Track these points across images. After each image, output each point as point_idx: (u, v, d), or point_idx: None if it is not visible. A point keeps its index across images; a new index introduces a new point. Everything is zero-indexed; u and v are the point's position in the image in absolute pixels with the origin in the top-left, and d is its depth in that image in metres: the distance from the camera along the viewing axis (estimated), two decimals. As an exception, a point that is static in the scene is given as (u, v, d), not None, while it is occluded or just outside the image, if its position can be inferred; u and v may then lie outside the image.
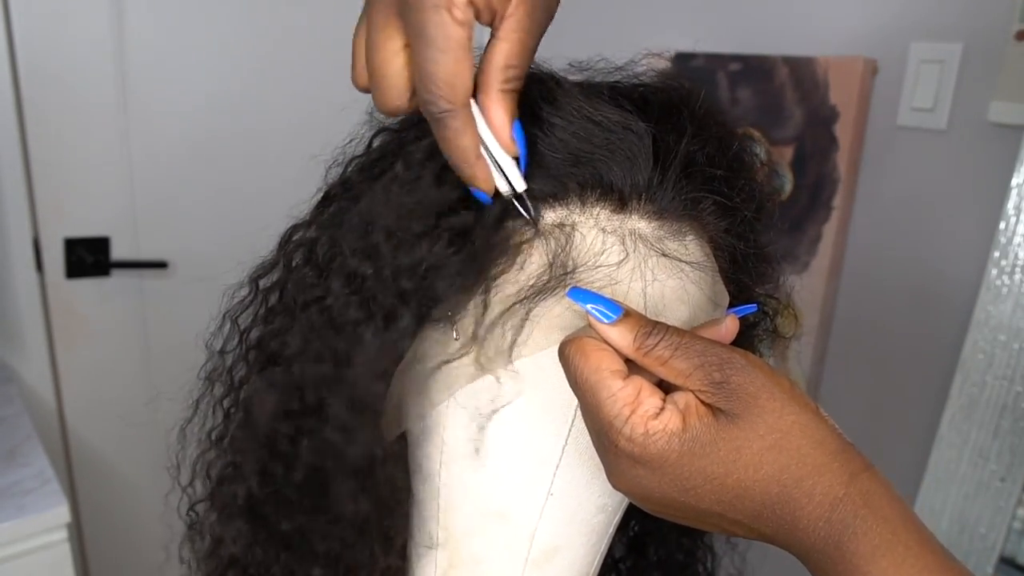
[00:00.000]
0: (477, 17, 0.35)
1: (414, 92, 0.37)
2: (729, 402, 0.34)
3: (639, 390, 0.35)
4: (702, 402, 0.35)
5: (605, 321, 0.37)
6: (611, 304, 0.37)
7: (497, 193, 0.40)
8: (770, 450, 0.34)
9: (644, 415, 0.35)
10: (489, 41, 0.37)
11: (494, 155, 0.38)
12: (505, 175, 0.39)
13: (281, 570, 0.49)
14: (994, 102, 1.04)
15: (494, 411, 0.43)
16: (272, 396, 0.46)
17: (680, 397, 0.36)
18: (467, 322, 0.42)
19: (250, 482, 0.48)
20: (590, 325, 0.37)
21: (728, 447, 0.34)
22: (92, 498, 1.77)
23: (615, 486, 0.38)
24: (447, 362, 0.43)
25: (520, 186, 0.39)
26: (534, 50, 0.38)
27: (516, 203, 0.40)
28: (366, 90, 0.38)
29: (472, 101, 0.37)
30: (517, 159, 0.39)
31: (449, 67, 0.35)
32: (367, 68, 0.37)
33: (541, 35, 0.38)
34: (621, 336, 0.36)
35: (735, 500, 0.35)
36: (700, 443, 0.34)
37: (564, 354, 0.38)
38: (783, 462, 0.34)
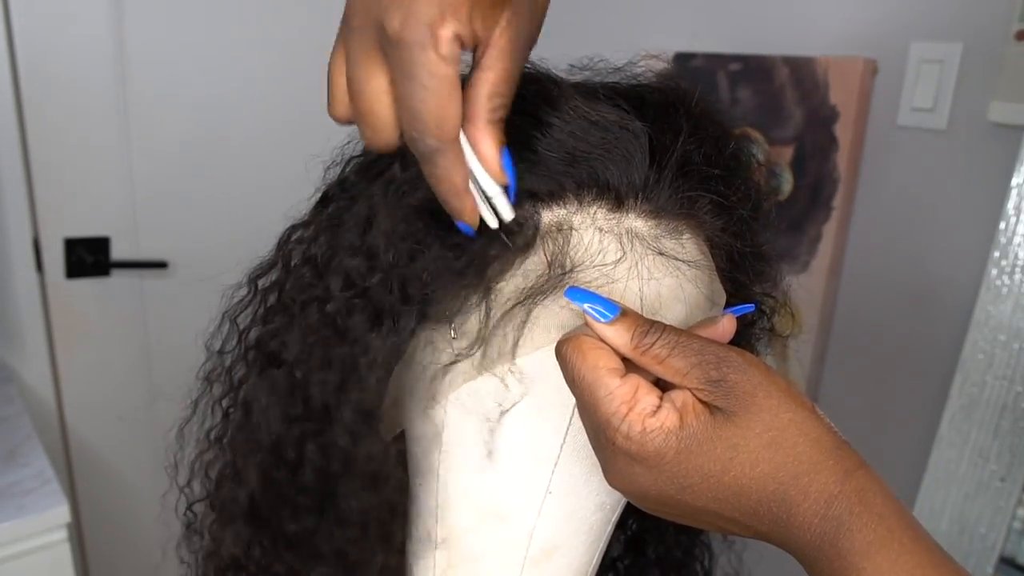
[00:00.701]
0: (462, 46, 0.34)
1: None
2: (726, 400, 0.34)
3: (636, 388, 0.36)
4: (699, 400, 0.35)
5: (602, 320, 0.37)
6: (608, 303, 0.37)
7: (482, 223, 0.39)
8: (766, 448, 0.34)
9: (641, 413, 0.35)
10: (473, 69, 0.35)
11: (483, 186, 0.37)
12: (491, 204, 0.38)
13: (283, 570, 0.49)
14: (994, 102, 1.04)
15: (503, 413, 0.43)
16: (272, 398, 0.47)
17: (677, 395, 0.36)
18: (467, 322, 0.42)
19: (251, 485, 0.48)
20: (587, 324, 0.38)
21: (725, 445, 0.34)
22: (92, 498, 1.77)
23: (612, 484, 0.38)
24: (449, 364, 0.43)
25: (508, 216, 0.38)
26: (519, 77, 0.37)
27: (502, 234, 0.39)
28: (347, 122, 0.37)
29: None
30: (506, 188, 0.38)
31: (437, 106, 0.33)
32: (352, 106, 0.36)
33: (525, 61, 0.37)
34: (618, 335, 0.37)
35: (731, 498, 0.35)
36: (697, 441, 0.35)
37: (561, 352, 0.38)
38: (779, 460, 0.34)
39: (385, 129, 0.35)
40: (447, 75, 0.33)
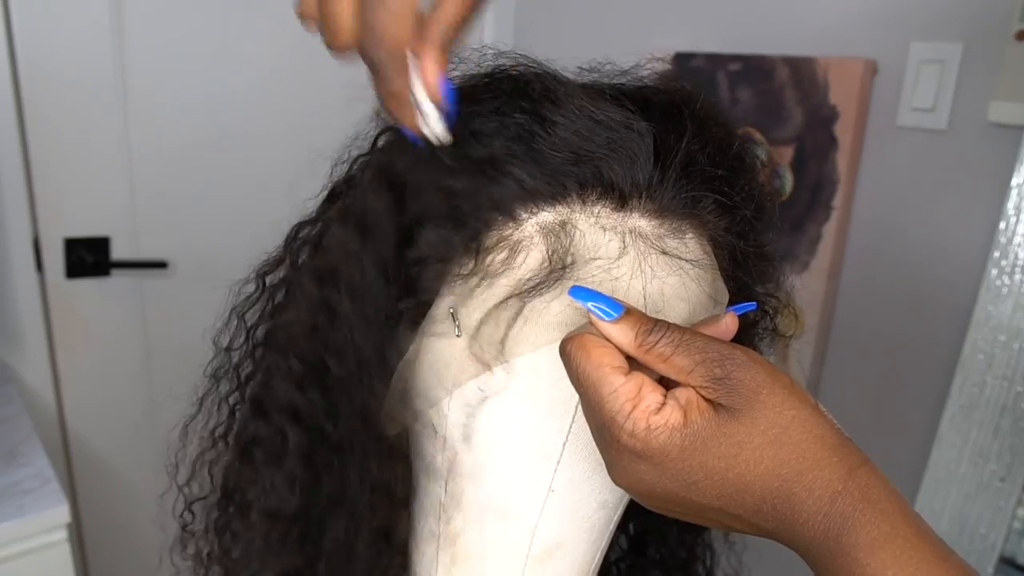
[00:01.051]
0: None
1: None
2: (730, 397, 0.35)
3: (640, 386, 0.36)
4: (703, 397, 0.36)
5: (607, 319, 0.37)
6: (612, 302, 0.37)
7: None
8: (770, 445, 0.34)
9: (646, 410, 0.35)
10: None
11: (418, 101, 0.39)
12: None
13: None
14: (994, 102, 1.04)
15: (483, 400, 0.43)
16: (280, 390, 0.47)
17: (681, 393, 0.36)
18: (464, 315, 0.42)
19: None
20: (592, 323, 0.38)
21: (729, 442, 0.34)
22: (92, 498, 1.77)
23: (616, 482, 0.38)
24: (446, 356, 0.43)
25: (441, 134, 0.41)
26: (475, 12, 0.39)
27: (438, 151, 0.42)
28: (311, 21, 0.40)
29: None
30: (444, 110, 0.40)
31: (396, 27, 0.36)
32: (319, 8, 0.39)
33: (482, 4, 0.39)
34: (623, 333, 0.37)
35: (736, 494, 0.35)
36: (701, 438, 0.35)
37: (565, 351, 0.38)
38: (783, 456, 0.34)
39: (343, 35, 0.38)
40: (411, 3, 0.36)
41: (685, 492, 0.36)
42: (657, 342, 0.36)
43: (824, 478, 0.33)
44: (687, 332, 0.36)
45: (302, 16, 0.40)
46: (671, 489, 0.36)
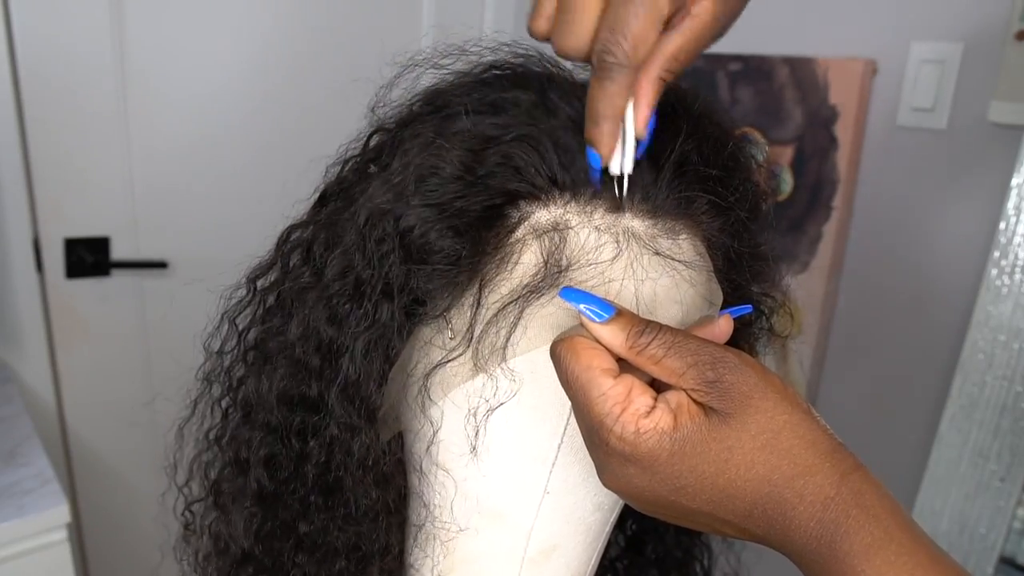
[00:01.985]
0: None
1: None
2: (722, 401, 0.34)
3: (630, 388, 0.35)
4: (694, 401, 0.35)
5: (597, 320, 0.37)
6: (603, 304, 0.37)
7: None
8: (762, 450, 0.34)
9: (635, 413, 0.35)
10: (665, 28, 0.37)
11: (625, 130, 0.39)
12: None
13: (288, 565, 0.49)
14: (994, 102, 1.04)
15: (490, 411, 0.43)
16: (270, 395, 0.47)
17: (672, 396, 0.36)
18: (461, 321, 0.42)
19: (256, 478, 0.48)
20: (582, 325, 0.37)
21: (720, 447, 0.34)
22: (92, 498, 1.77)
23: (606, 485, 0.38)
24: (443, 362, 0.43)
25: (628, 168, 0.40)
26: (705, 47, 0.39)
27: (615, 184, 0.41)
28: (543, 38, 0.39)
29: None
30: (637, 145, 0.40)
31: (644, 27, 0.36)
32: (559, 11, 0.37)
33: (713, 41, 0.39)
34: (613, 335, 0.36)
35: (726, 500, 0.35)
36: (691, 442, 0.34)
37: (555, 353, 0.38)
38: (774, 462, 0.34)
39: (583, 32, 0.37)
40: (663, 8, 0.36)
41: (674, 496, 0.35)
42: (648, 344, 0.36)
43: (816, 484, 0.33)
44: (679, 334, 0.36)
45: (535, 33, 0.39)
46: (660, 493, 0.36)
